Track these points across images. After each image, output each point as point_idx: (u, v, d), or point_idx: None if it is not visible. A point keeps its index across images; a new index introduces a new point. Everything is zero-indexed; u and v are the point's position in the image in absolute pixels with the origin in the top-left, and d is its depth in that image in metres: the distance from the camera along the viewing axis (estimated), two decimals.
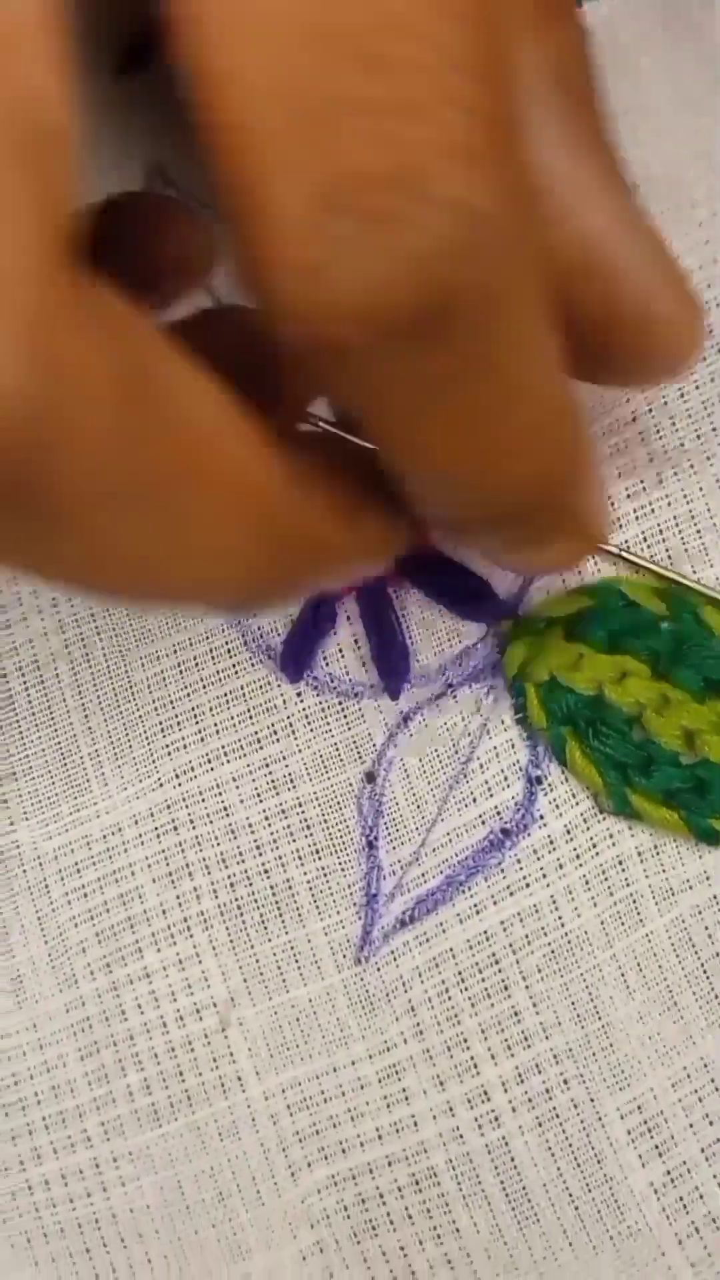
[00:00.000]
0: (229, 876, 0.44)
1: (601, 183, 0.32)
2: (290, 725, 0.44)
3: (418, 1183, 0.42)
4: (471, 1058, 0.42)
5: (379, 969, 0.43)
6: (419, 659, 0.44)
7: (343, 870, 0.44)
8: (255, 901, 0.44)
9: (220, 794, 0.44)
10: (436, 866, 0.43)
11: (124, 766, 0.45)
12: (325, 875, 0.44)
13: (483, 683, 0.44)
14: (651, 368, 0.35)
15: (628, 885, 0.42)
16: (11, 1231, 0.44)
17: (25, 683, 0.46)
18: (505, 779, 0.43)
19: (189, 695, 0.45)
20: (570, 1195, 0.42)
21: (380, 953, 0.43)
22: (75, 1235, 0.43)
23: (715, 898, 0.42)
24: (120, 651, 0.45)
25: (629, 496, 0.44)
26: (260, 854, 0.44)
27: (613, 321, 0.33)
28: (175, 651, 0.45)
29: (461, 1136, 0.42)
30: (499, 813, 0.43)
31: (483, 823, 0.43)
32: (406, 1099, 0.42)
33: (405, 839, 0.43)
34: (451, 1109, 0.42)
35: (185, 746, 0.45)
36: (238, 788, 0.44)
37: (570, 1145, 0.42)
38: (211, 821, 0.44)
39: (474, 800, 0.43)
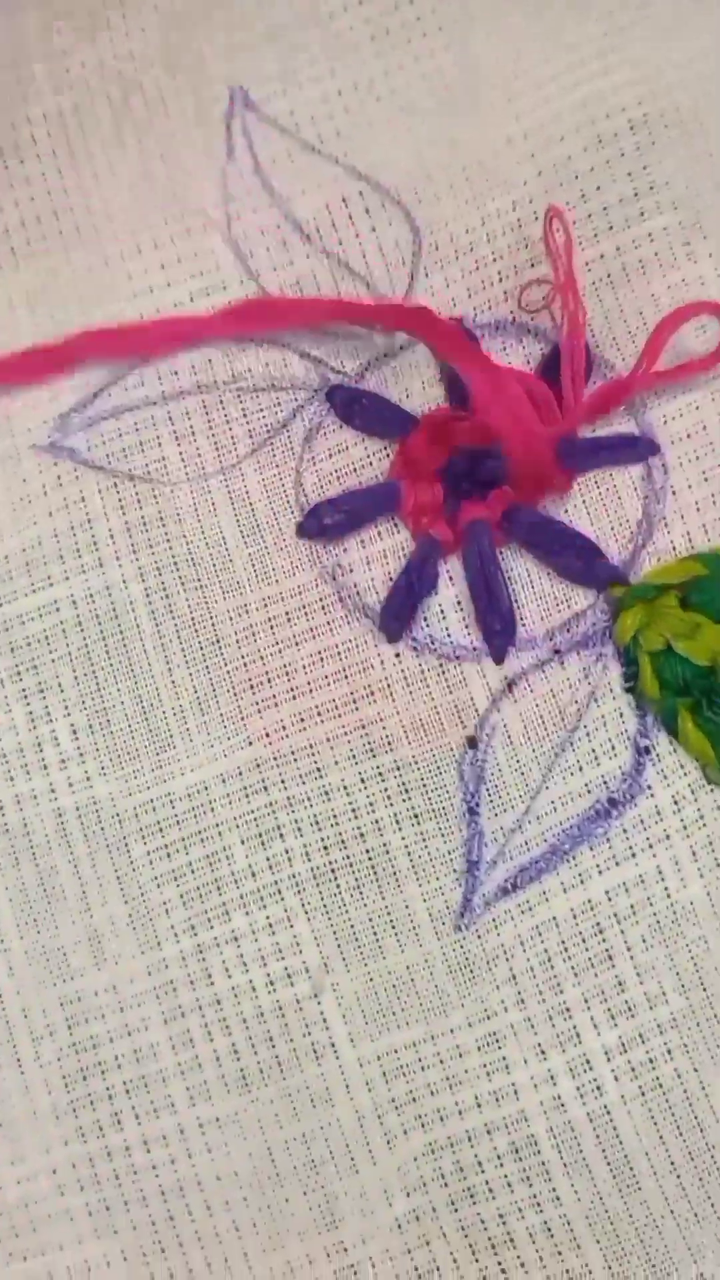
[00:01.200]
0: (323, 839, 0.43)
1: None
2: (389, 687, 0.43)
3: (517, 1151, 0.42)
4: (574, 1027, 0.42)
5: (479, 936, 0.42)
6: (525, 623, 0.43)
7: (443, 836, 0.43)
8: (350, 866, 0.43)
9: (314, 755, 0.43)
10: (540, 834, 0.42)
11: (210, 723, 0.43)
12: (424, 841, 0.43)
13: (592, 649, 0.43)
14: None
15: None
16: (90, 1199, 0.43)
17: (102, 632, 0.44)
18: (612, 748, 0.42)
19: (280, 651, 0.43)
20: (672, 1164, 0.42)
21: (481, 920, 0.42)
22: (158, 1203, 0.42)
23: None
24: (206, 603, 0.44)
25: None
26: (356, 817, 0.43)
27: None
28: (265, 605, 0.43)
29: (563, 1105, 0.42)
30: (605, 782, 0.42)
31: (589, 791, 0.42)
32: (507, 1067, 0.42)
33: (508, 806, 0.42)
34: (553, 1078, 0.42)
35: (276, 704, 0.43)
36: (332, 749, 0.43)
37: (673, 1114, 0.42)
38: (304, 783, 0.43)
39: (580, 768, 0.42)
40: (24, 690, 0.44)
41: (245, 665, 0.43)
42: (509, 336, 0.44)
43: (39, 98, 0.46)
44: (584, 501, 0.44)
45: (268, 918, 0.43)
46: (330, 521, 0.43)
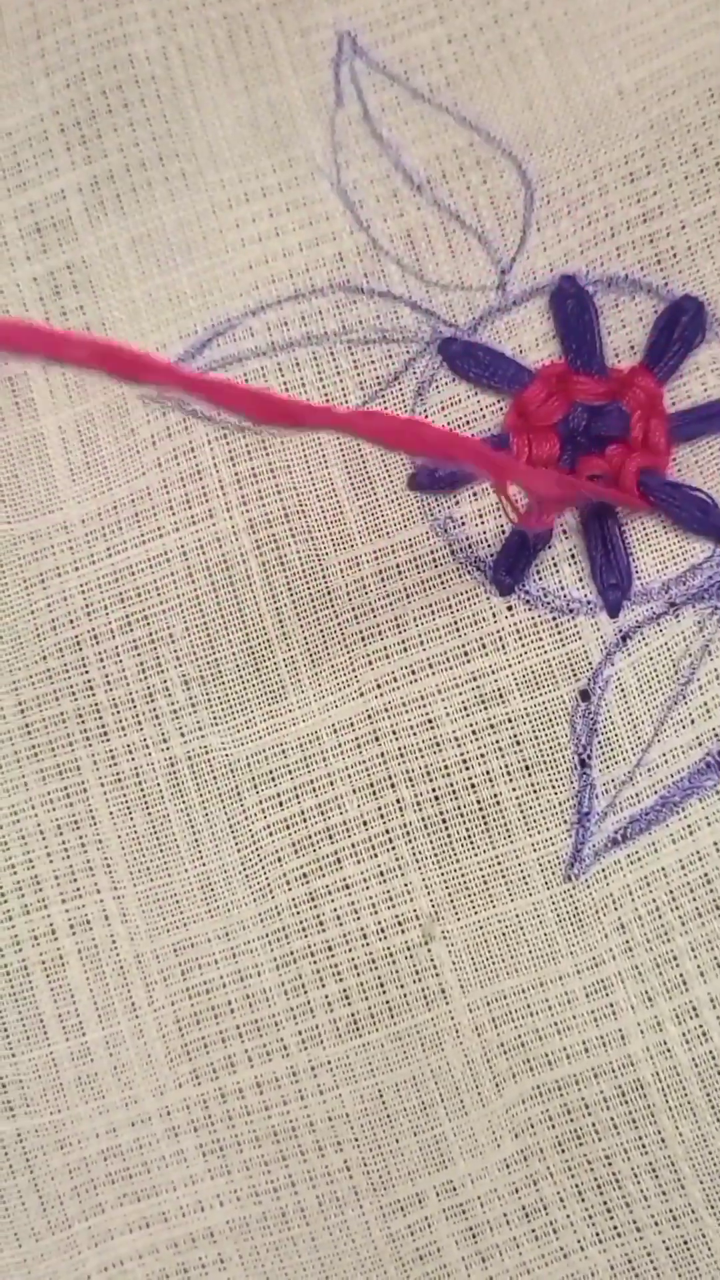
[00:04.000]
0: (434, 790, 0.43)
1: None
2: (500, 639, 0.43)
3: (624, 1094, 0.43)
4: (681, 975, 0.43)
5: (589, 886, 0.43)
6: (640, 576, 0.43)
7: (554, 788, 0.43)
8: (461, 816, 0.43)
9: (425, 706, 0.43)
10: (651, 787, 0.43)
11: (321, 674, 0.44)
12: (535, 792, 0.43)
13: (707, 602, 0.43)
14: None
15: None
16: (203, 1140, 0.44)
17: (213, 583, 0.44)
18: None
19: (391, 604, 0.44)
20: None
21: (590, 870, 0.43)
22: (270, 1143, 0.43)
23: None
24: (317, 555, 0.44)
25: None
26: (468, 768, 0.43)
27: None
28: (377, 558, 0.44)
29: (669, 1050, 0.43)
30: (717, 735, 0.43)
31: (700, 744, 0.43)
32: (614, 1014, 0.43)
33: (619, 758, 0.43)
34: (660, 1024, 0.43)
35: (388, 656, 0.44)
36: (444, 700, 0.43)
37: None
38: (416, 734, 0.43)
39: (692, 722, 0.43)
40: (134, 641, 0.44)
41: (357, 617, 0.44)
42: (621, 292, 0.44)
43: (142, 38, 0.45)
44: (696, 460, 0.44)
45: (379, 866, 0.43)
46: (442, 474, 0.43)
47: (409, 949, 0.43)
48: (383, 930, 0.43)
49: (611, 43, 0.45)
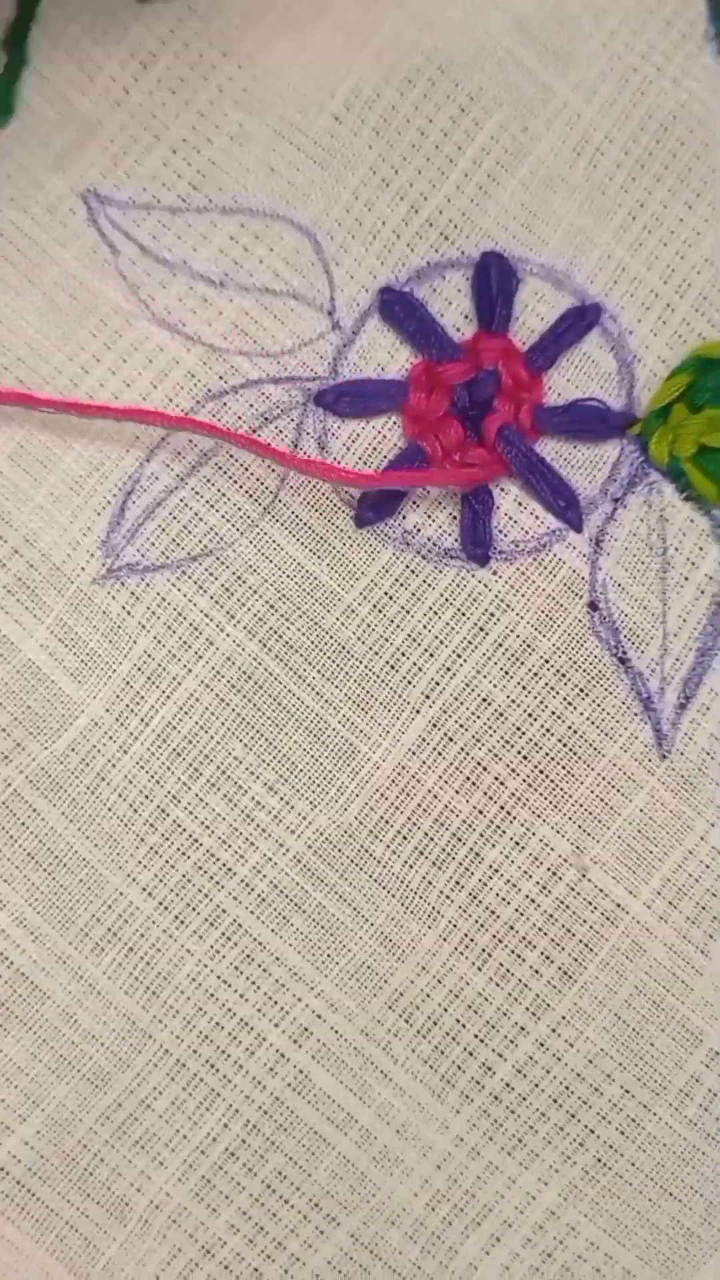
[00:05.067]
0: (519, 752, 0.48)
1: None
2: (502, 602, 0.48)
3: None
4: None
5: (682, 753, 0.48)
6: (581, 491, 0.48)
7: (611, 694, 0.48)
8: (552, 759, 0.48)
9: (473, 690, 0.48)
10: (684, 648, 0.48)
11: (375, 715, 0.48)
12: (599, 706, 0.48)
13: (642, 484, 0.48)
14: None
15: None
16: (503, 1143, 0.47)
17: (245, 695, 0.47)
18: (700, 549, 0.48)
19: (398, 626, 0.48)
20: None
21: (676, 740, 0.48)
22: (555, 1112, 0.47)
23: None
24: (315, 624, 0.48)
25: None
26: (535, 719, 0.48)
27: None
28: (365, 597, 0.48)
29: None
30: (710, 577, 0.48)
31: (703, 593, 0.48)
32: None
33: (648, 640, 0.48)
34: None
35: (420, 669, 0.48)
36: (485, 677, 0.48)
37: None
38: (478, 716, 0.48)
39: (686, 579, 0.48)
40: (209, 780, 0.47)
41: (376, 653, 0.48)
42: (432, 278, 0.49)
43: None
44: (568, 379, 0.49)
45: (511, 839, 0.47)
46: (379, 504, 0.48)
47: (573, 888, 0.47)
48: (544, 887, 0.47)
49: (304, 85, 0.49)
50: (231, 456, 0.48)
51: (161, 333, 0.48)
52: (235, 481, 0.48)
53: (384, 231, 0.49)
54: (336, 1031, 0.47)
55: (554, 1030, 0.47)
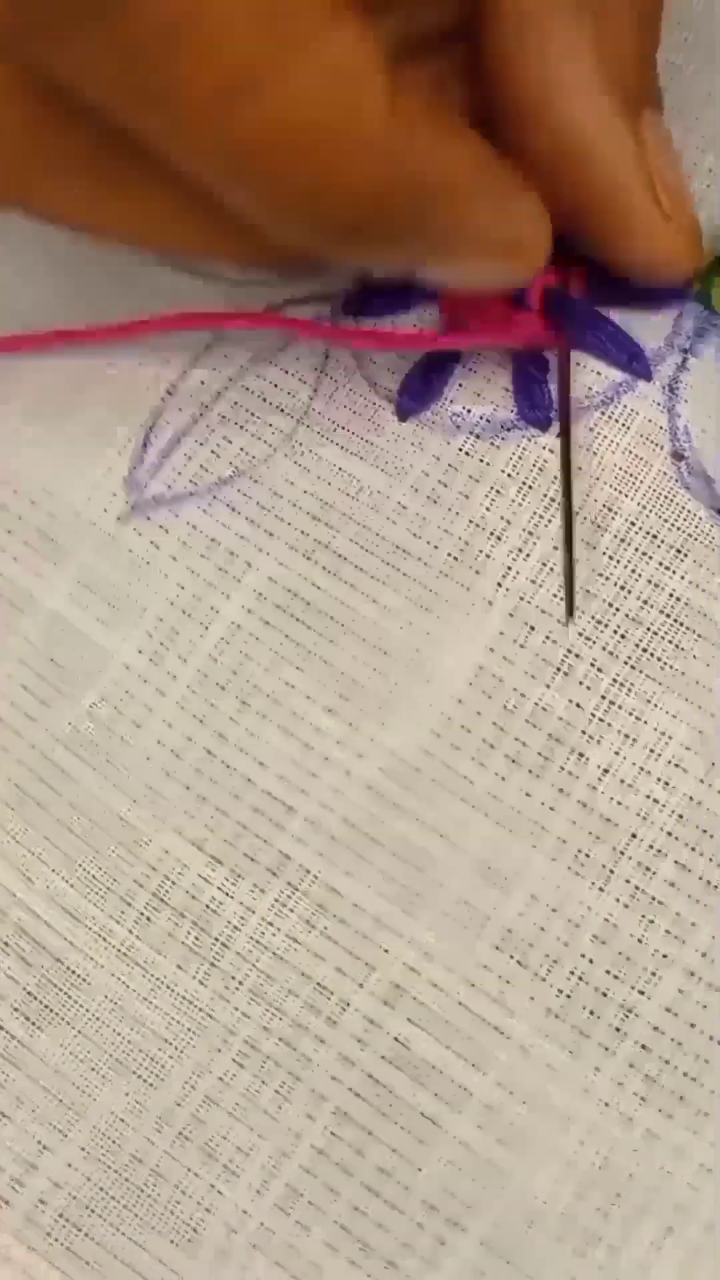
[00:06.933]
0: (616, 630, 0.40)
1: (586, 86, 0.37)
2: (573, 463, 0.41)
3: None
4: None
5: None
6: (645, 344, 0.42)
7: (712, 551, 0.40)
8: (656, 634, 0.40)
9: (552, 570, 0.41)
10: None
11: (454, 608, 0.41)
12: (700, 565, 0.40)
13: (711, 333, 0.42)
14: (628, 260, 0.40)
15: None
16: (654, 1095, 0.37)
17: (293, 614, 0.42)
18: None
19: (457, 515, 0.42)
20: None
21: None
22: (669, 1020, 0.37)
23: None
24: (368, 528, 0.42)
25: None
26: (630, 592, 0.40)
27: (579, 208, 0.39)
28: (416, 490, 0.42)
29: None
30: None
31: None
32: None
33: None
34: None
35: (488, 557, 0.41)
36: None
37: None
38: (562, 598, 0.41)
39: None
40: (261, 713, 0.41)
41: (436, 547, 0.42)
42: None
43: None
44: None
45: (620, 732, 0.39)
46: (419, 388, 0.43)
47: (703, 781, 0.39)
48: (667, 783, 0.39)
49: None
50: (259, 376, 0.44)
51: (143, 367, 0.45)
52: (264, 399, 0.44)
53: None
54: (436, 986, 0.38)
55: (704, 954, 0.38)
